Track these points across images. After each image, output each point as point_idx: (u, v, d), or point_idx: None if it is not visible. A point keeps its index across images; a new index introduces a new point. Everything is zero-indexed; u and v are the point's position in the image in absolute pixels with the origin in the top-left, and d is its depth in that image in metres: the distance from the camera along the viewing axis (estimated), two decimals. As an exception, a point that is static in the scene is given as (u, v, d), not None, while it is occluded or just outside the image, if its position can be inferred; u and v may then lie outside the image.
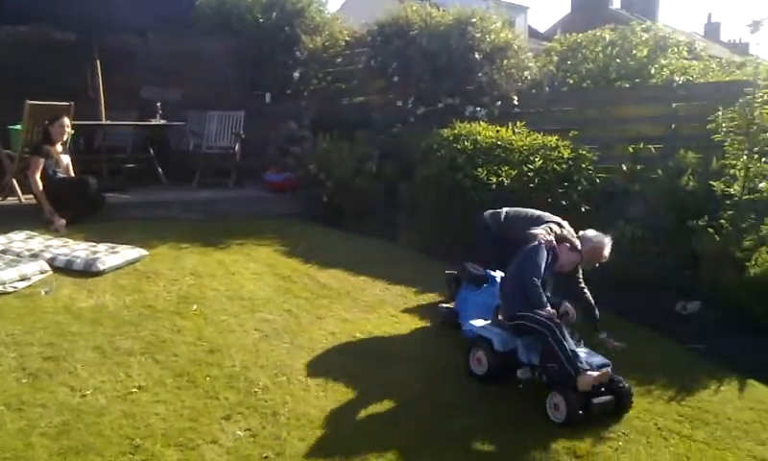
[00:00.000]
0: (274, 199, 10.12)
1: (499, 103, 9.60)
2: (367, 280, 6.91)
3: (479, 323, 4.99)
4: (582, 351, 4.41)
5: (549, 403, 4.26)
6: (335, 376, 4.71)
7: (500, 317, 4.85)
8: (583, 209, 7.69)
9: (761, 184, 6.00)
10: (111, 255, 6.50)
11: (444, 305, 5.94)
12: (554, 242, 4.91)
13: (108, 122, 10.46)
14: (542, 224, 5.41)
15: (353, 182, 9.20)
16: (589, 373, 4.20)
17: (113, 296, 5.78)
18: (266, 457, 3.70)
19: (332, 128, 9.90)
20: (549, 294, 4.71)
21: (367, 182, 9.21)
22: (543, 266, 4.67)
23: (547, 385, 4.37)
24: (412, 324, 5.84)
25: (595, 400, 4.21)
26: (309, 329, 5.51)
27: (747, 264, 5.66)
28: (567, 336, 4.38)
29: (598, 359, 4.39)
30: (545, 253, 4.75)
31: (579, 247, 4.94)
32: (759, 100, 5.83)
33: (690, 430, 4.25)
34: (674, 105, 8.31)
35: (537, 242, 4.85)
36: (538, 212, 5.78)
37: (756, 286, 5.55)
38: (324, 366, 4.86)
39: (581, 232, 5.31)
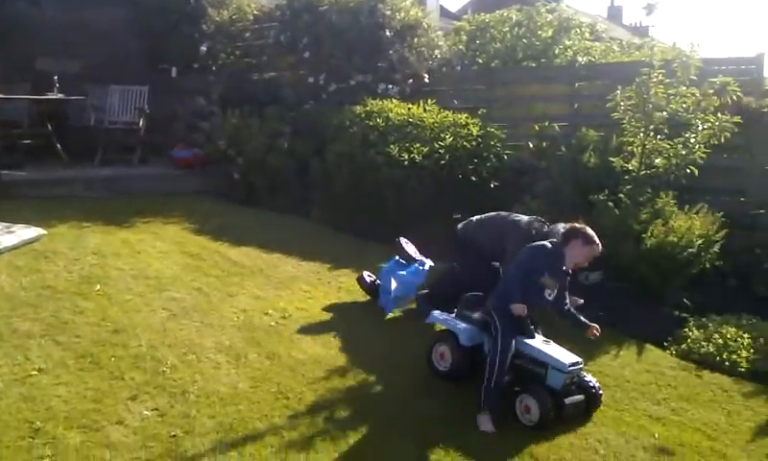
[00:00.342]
0: (181, 176, 9.85)
1: (411, 80, 9.67)
2: (280, 257, 6.85)
3: (443, 315, 4.64)
4: (554, 350, 4.11)
5: (519, 405, 3.98)
6: (247, 352, 4.66)
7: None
8: (492, 185, 7.89)
9: (657, 160, 6.30)
10: (7, 236, 6.16)
11: (366, 274, 5.93)
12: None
13: (1, 96, 9.83)
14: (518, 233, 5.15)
15: (265, 159, 9.07)
16: (486, 416, 3.92)
17: (9, 277, 5.48)
18: (174, 436, 3.62)
19: (242, 103, 9.71)
20: (551, 297, 4.27)
21: (279, 159, 9.09)
22: (532, 268, 4.24)
23: (517, 385, 4.11)
24: (325, 300, 5.83)
25: (568, 401, 3.97)
26: (220, 307, 5.41)
27: (643, 236, 5.93)
28: (511, 347, 4.05)
29: (570, 358, 4.06)
30: (539, 255, 4.28)
31: (594, 239, 4.27)
32: (654, 80, 6.10)
33: (592, 393, 4.46)
34: (577, 84, 8.60)
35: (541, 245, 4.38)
36: (507, 216, 5.57)
37: (652, 257, 5.85)
38: (235, 343, 4.78)
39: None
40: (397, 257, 5.85)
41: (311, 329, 5.16)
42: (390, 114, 8.28)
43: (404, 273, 5.66)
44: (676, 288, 5.89)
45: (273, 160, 9.05)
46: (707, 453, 3.85)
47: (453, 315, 4.59)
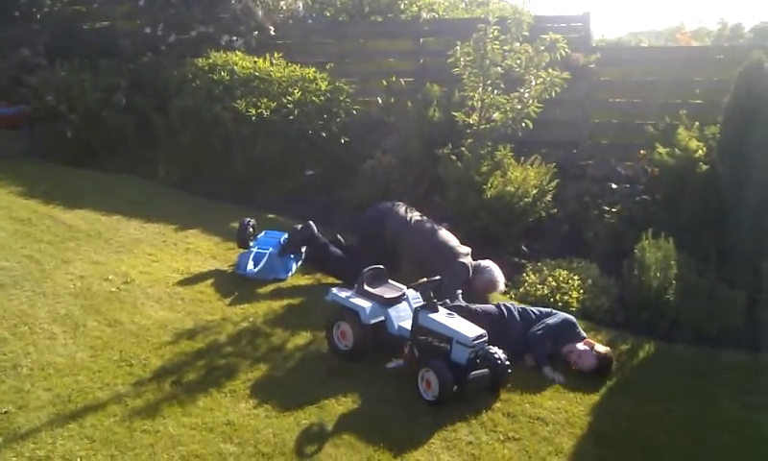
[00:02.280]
0: (5, 136, 8.99)
1: (256, 33, 9.35)
2: (120, 220, 6.50)
3: (343, 293, 4.39)
4: (458, 324, 4.02)
5: (421, 381, 3.88)
6: (85, 321, 4.41)
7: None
8: (342, 141, 7.90)
9: (495, 115, 6.58)
10: None
11: (248, 222, 5.73)
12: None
13: None
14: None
15: (101, 116, 8.48)
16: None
17: None
18: (6, 412, 3.39)
19: (72, 55, 8.94)
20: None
21: (116, 116, 8.55)
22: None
23: (418, 360, 4.00)
24: (172, 262, 5.62)
25: (471, 375, 3.84)
26: (54, 275, 5.06)
27: (484, 187, 6.21)
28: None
29: (475, 331, 3.97)
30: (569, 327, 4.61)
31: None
32: (491, 36, 6.31)
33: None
34: (422, 40, 8.75)
35: None
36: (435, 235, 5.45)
37: (492, 207, 6.14)
38: (72, 312, 4.51)
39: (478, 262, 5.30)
40: (287, 236, 5.70)
41: (156, 294, 4.96)
42: (235, 68, 7.99)
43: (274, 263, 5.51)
44: (515, 236, 6.23)
45: (109, 117, 8.49)
46: (540, 386, 4.15)
47: (353, 292, 4.37)
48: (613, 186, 6.70)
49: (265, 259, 5.42)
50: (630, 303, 5.21)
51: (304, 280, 5.53)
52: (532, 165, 6.41)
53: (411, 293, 4.41)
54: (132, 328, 4.38)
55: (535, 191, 6.24)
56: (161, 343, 4.25)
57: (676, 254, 5.27)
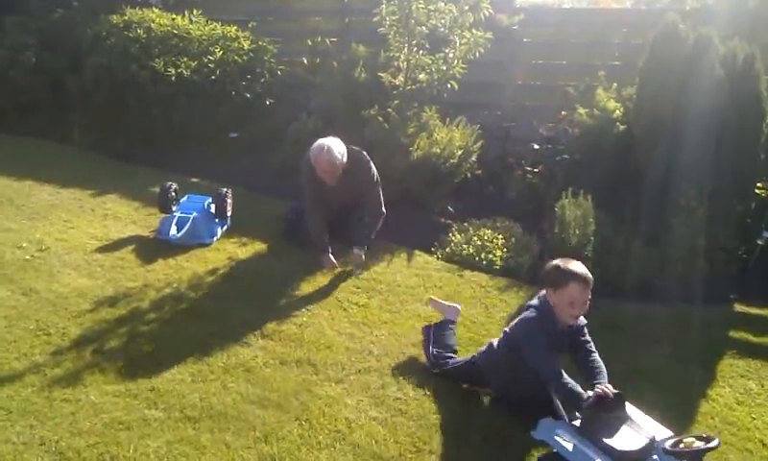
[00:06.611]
0: None
1: (174, -12, 9.02)
2: (33, 185, 6.22)
3: (564, 434, 2.97)
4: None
5: None
6: (-2, 291, 4.21)
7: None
8: (267, 102, 7.75)
9: (420, 76, 6.59)
10: None
11: (170, 186, 5.54)
12: None
13: None
14: None
15: (8, 76, 8.03)
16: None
17: None
18: None
19: (-26, 12, 8.44)
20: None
21: (26, 76, 8.12)
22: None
23: None
24: (90, 228, 5.42)
25: None
26: (-39, 243, 4.80)
27: (411, 149, 6.24)
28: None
29: None
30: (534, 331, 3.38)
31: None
32: (417, -6, 6.28)
33: (366, 299, 4.68)
34: (346, -1, 8.64)
35: None
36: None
37: (419, 168, 6.18)
38: (-18, 281, 4.30)
39: None
40: (210, 200, 5.59)
41: (74, 261, 4.78)
42: (152, 25, 7.69)
43: (198, 228, 5.37)
44: (441, 196, 6.30)
45: (18, 78, 8.06)
46: (466, 344, 4.23)
47: (575, 432, 2.96)
48: (536, 147, 6.84)
49: (189, 224, 5.29)
50: (550, 260, 5.36)
51: (230, 245, 5.43)
52: (457, 127, 6.46)
53: (661, 444, 2.82)
54: (48, 297, 4.21)
55: (460, 152, 6.31)
56: (80, 311, 4.11)
57: (594, 212, 5.44)
